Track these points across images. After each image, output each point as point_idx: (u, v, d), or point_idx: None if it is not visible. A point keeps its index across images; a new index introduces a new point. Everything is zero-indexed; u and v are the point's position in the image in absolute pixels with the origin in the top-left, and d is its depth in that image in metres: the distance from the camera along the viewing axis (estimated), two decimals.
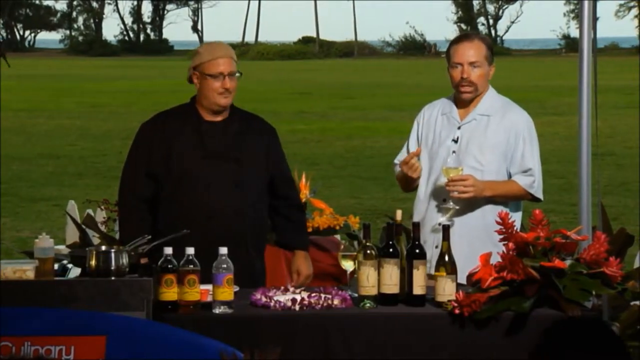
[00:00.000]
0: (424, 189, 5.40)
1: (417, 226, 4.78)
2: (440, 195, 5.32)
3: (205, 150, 5.18)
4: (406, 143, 5.51)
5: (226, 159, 5.19)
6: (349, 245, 5.05)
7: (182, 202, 5.16)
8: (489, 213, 5.24)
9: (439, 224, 5.22)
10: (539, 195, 5.34)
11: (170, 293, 4.54)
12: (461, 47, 5.32)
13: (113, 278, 4.54)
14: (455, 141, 5.35)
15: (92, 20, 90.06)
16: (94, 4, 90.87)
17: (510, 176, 5.33)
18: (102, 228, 7.61)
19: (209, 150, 5.19)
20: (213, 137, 5.20)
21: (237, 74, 5.20)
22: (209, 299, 4.63)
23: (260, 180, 5.25)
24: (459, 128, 5.37)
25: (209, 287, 4.61)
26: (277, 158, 5.33)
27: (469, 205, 5.28)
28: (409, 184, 5.46)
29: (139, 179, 5.25)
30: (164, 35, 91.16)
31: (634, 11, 79.97)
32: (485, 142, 5.32)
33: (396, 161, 5.50)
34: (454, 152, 5.33)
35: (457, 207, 5.26)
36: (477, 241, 5.18)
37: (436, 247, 5.17)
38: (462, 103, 5.40)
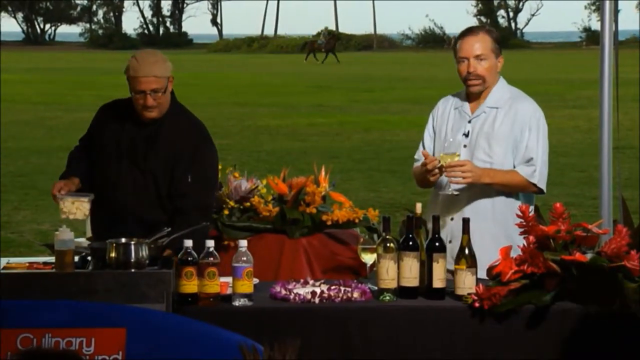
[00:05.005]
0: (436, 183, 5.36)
1: (437, 219, 4.77)
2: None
3: (119, 150, 5.24)
4: (422, 138, 5.48)
5: (131, 161, 5.21)
6: (369, 238, 5.04)
7: (95, 199, 5.14)
8: (500, 208, 5.19)
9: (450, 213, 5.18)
10: (542, 185, 5.21)
11: (190, 285, 4.55)
12: (466, 42, 5.28)
13: (133, 270, 4.56)
14: (466, 135, 5.32)
15: (112, 14, 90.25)
16: None
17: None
18: None
19: (121, 149, 5.23)
20: (130, 137, 5.23)
21: (162, 92, 5.12)
22: (229, 291, 4.64)
23: (159, 188, 5.20)
24: (469, 122, 5.34)
25: (229, 279, 4.62)
26: (180, 179, 5.16)
27: (479, 196, 5.22)
28: (426, 183, 5.42)
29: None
30: (184, 29, 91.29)
31: None
32: (493, 134, 5.27)
33: (416, 157, 5.46)
34: (465, 146, 5.30)
35: (457, 194, 5.20)
36: (488, 236, 5.12)
37: (449, 241, 5.14)
38: (473, 96, 5.37)
